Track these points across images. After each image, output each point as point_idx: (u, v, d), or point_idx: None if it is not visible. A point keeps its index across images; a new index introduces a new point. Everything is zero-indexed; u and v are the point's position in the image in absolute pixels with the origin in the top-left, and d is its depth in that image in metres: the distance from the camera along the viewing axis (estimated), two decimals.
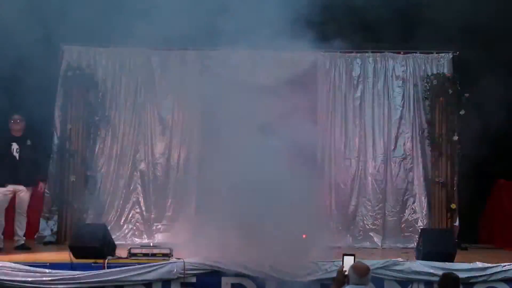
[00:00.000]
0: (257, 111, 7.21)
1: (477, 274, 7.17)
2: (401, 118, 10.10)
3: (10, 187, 8.41)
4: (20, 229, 8.52)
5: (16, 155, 8.46)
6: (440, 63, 10.13)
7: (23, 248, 8.40)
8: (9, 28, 7.84)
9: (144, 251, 7.44)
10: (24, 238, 8.56)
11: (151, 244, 8.16)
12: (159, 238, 9.61)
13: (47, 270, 6.91)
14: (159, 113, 9.99)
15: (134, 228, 9.77)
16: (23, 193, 8.48)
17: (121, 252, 7.55)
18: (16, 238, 8.51)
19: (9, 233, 8.58)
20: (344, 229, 9.83)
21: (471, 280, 7.14)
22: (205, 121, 9.44)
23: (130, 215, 9.80)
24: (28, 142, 8.55)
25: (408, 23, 9.33)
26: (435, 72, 10.05)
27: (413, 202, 9.97)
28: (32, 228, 9.23)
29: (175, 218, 9.69)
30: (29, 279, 6.84)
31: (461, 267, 7.19)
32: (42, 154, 8.92)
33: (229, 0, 7.27)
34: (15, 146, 8.47)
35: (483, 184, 10.07)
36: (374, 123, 10.08)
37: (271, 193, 6.63)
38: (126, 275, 6.95)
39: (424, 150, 10.03)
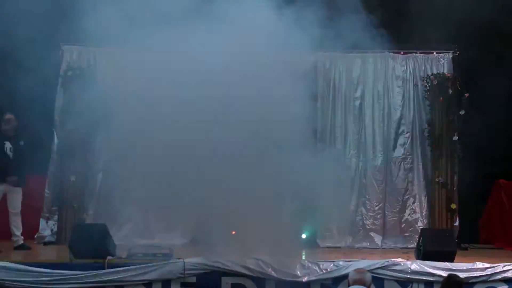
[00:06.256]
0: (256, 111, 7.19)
1: (477, 274, 7.18)
2: (401, 118, 10.08)
3: (1, 187, 8.36)
4: (17, 229, 8.48)
5: (10, 154, 8.44)
6: (440, 63, 10.10)
7: (23, 248, 8.40)
8: (9, 28, 7.84)
9: (144, 251, 7.44)
10: (23, 237, 8.54)
11: (151, 244, 8.15)
12: (159, 238, 9.60)
13: (47, 270, 6.91)
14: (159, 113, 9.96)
15: (134, 228, 9.75)
16: (16, 193, 8.43)
17: (121, 252, 7.55)
18: (14, 238, 8.49)
19: (5, 234, 8.58)
20: (344, 229, 9.83)
21: (471, 280, 7.14)
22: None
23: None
24: (21, 143, 8.52)
25: (408, 23, 9.32)
26: (435, 72, 10.02)
27: (413, 202, 9.96)
28: (32, 228, 9.22)
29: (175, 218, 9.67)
30: (29, 279, 6.85)
31: (461, 267, 7.20)
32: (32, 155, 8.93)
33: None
34: (8, 145, 8.45)
35: (483, 184, 10.08)
36: (374, 123, 10.06)
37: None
38: (126, 275, 6.95)
39: (424, 150, 10.02)
